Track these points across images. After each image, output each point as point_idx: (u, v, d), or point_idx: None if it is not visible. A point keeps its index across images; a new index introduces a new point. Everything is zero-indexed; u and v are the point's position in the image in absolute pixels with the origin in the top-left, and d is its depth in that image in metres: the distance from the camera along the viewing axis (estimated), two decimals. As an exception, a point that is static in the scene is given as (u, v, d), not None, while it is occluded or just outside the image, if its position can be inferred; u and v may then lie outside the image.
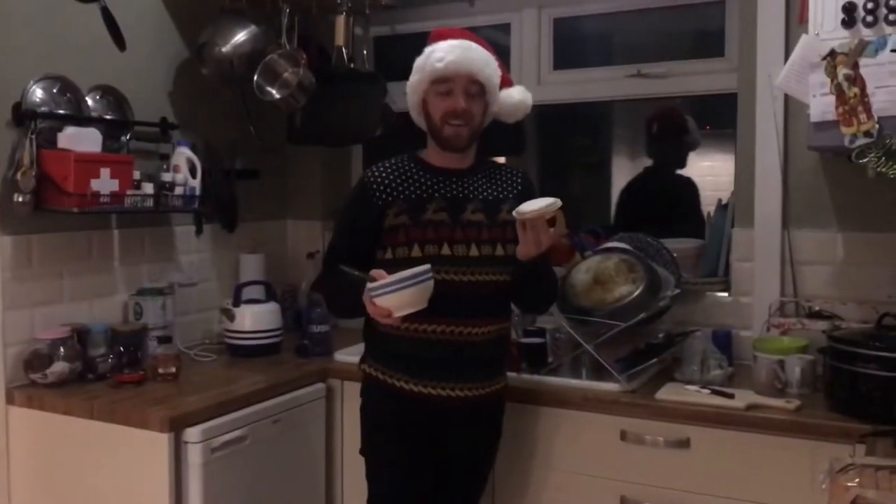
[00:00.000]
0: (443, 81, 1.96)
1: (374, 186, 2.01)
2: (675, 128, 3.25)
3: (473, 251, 1.98)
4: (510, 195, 2.06)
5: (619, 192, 3.49)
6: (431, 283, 1.80)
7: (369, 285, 1.82)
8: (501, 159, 3.54)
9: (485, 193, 2.04)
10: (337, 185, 3.36)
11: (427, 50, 2.02)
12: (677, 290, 2.40)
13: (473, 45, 2.01)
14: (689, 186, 3.26)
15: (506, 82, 2.16)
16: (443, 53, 1.96)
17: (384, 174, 2.03)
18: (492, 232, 2.00)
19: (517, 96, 2.20)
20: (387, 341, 2.00)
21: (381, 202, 1.99)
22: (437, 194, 2.01)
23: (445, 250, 1.96)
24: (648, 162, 3.46)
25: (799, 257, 2.45)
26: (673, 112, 3.26)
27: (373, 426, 2.08)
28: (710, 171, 3.54)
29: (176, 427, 2.02)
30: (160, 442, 2.01)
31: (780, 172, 2.45)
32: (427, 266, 1.81)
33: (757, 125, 2.48)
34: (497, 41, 3.15)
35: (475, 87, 1.98)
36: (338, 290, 2.05)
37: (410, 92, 2.04)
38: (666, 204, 3.18)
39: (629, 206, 3.34)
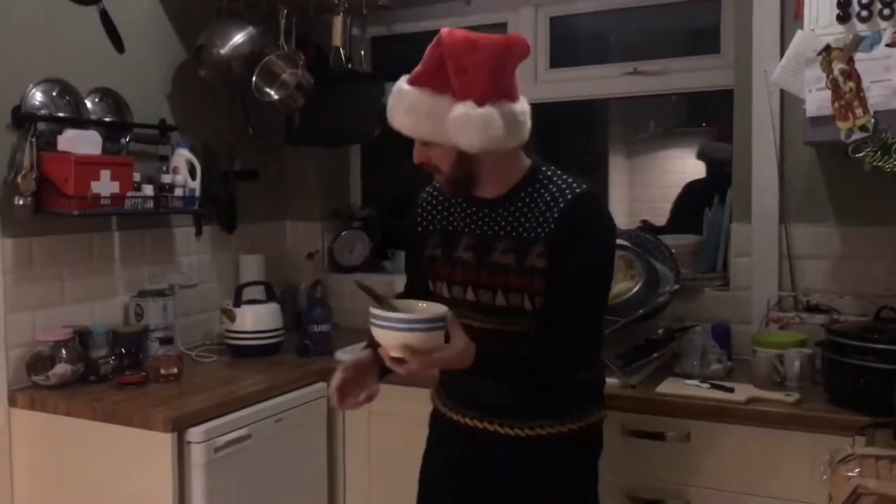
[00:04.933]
0: None
1: (420, 210, 1.83)
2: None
3: (500, 300, 1.68)
4: (542, 233, 1.64)
5: (681, 191, 3.44)
6: (442, 335, 1.50)
7: (373, 310, 1.49)
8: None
9: (519, 230, 1.68)
10: (335, 185, 3.37)
11: None
12: (676, 286, 2.41)
13: (405, 89, 1.62)
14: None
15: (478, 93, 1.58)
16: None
17: (431, 198, 1.83)
18: (521, 279, 1.65)
19: (457, 124, 1.58)
20: None
21: (422, 229, 1.81)
22: (467, 229, 1.74)
23: (470, 295, 1.72)
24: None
25: (797, 252, 2.47)
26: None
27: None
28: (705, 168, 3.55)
29: (179, 427, 2.03)
30: (163, 442, 2.01)
31: (777, 168, 2.46)
32: (445, 312, 1.53)
33: (753, 121, 2.50)
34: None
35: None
36: None
37: None
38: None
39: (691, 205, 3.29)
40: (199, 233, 2.84)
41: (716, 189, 2.75)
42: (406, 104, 1.62)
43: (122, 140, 2.52)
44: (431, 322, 1.49)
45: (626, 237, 2.53)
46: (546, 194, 1.67)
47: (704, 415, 2.08)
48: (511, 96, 1.62)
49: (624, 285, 2.32)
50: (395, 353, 1.49)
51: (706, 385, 2.17)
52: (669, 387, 2.19)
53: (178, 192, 2.53)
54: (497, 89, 1.59)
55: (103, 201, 2.28)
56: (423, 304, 1.60)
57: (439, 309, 1.55)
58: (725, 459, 2.07)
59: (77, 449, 2.17)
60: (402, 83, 1.64)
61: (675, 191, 3.47)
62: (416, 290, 1.84)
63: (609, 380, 2.22)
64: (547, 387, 1.73)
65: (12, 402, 2.24)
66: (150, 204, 2.45)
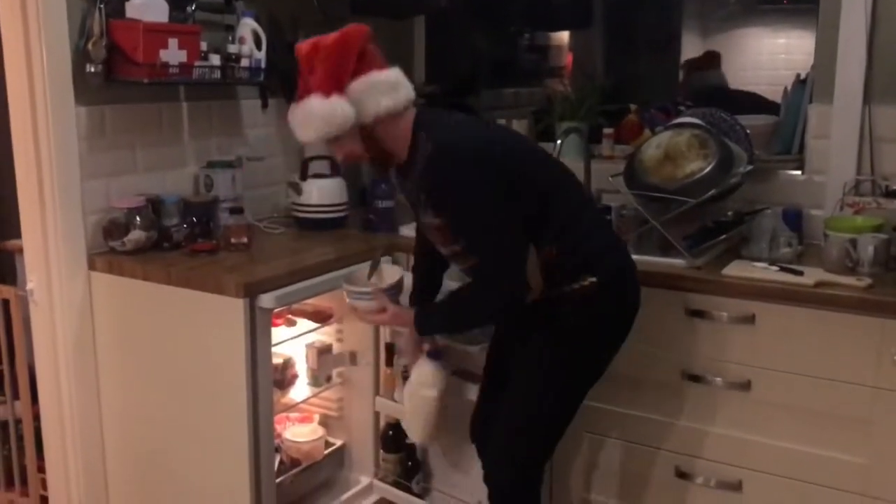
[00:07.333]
0: None
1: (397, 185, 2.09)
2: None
3: (442, 250, 1.98)
4: (422, 196, 1.89)
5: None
6: (372, 303, 1.99)
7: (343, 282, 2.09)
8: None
9: (417, 192, 1.91)
10: (399, 60, 3.27)
11: None
12: (750, 167, 2.34)
13: (292, 108, 1.87)
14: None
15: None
16: None
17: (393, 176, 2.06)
18: (437, 234, 1.94)
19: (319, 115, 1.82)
20: None
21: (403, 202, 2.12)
22: (407, 200, 2.03)
23: (438, 251, 2.02)
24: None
25: (879, 134, 2.36)
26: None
27: None
28: (784, 48, 3.38)
29: (250, 293, 2.08)
30: (235, 306, 2.08)
31: (866, 43, 2.32)
32: (374, 288, 2.02)
33: (843, -7, 2.35)
34: None
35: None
36: None
37: None
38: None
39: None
40: (265, 105, 2.84)
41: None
42: (300, 119, 1.85)
43: (188, 8, 2.49)
44: (359, 294, 2.01)
45: (700, 116, 2.45)
46: (420, 159, 1.84)
47: (771, 297, 2.06)
48: (366, 72, 1.83)
49: (696, 164, 2.26)
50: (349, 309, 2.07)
51: (774, 268, 2.14)
52: (736, 269, 2.16)
53: (245, 62, 2.52)
54: (340, 78, 1.80)
55: (172, 70, 2.28)
56: (386, 270, 2.14)
57: (390, 280, 2.06)
58: (790, 342, 2.06)
59: (153, 312, 2.26)
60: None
61: (752, 73, 3.33)
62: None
63: (675, 260, 2.22)
64: (493, 318, 2.02)
65: (91, 265, 2.33)
66: (218, 74, 2.44)
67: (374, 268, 2.12)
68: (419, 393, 2.16)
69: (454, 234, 1.87)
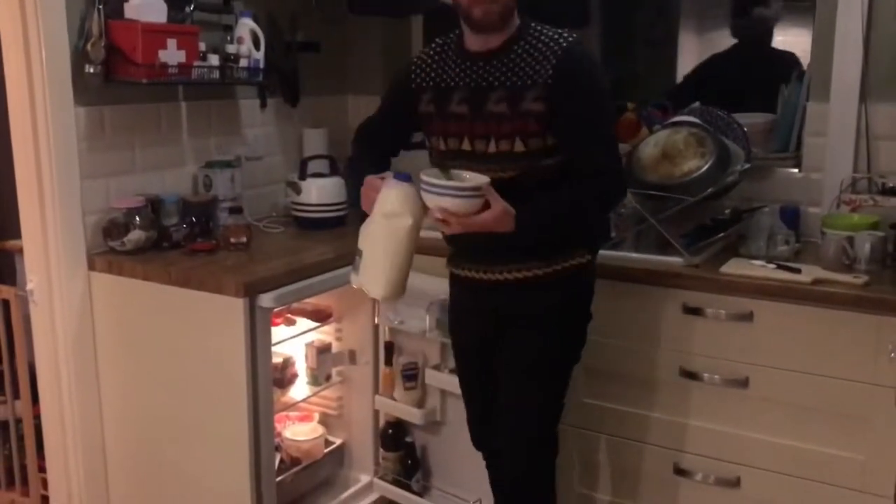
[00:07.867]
0: None
1: (414, 69, 1.96)
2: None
3: (492, 147, 1.82)
4: (539, 80, 1.77)
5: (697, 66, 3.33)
6: (475, 203, 1.68)
7: (423, 175, 1.71)
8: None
9: (512, 79, 1.80)
10: (397, 59, 3.31)
11: None
12: (747, 165, 2.35)
13: None
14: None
15: None
16: None
17: (426, 57, 1.96)
18: (513, 124, 1.79)
19: None
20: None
21: (416, 86, 1.94)
22: (461, 83, 1.87)
23: (466, 145, 1.86)
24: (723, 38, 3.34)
25: (875, 132, 2.37)
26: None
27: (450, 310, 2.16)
28: (782, 45, 3.40)
29: (250, 292, 2.09)
30: (235, 306, 2.08)
31: (862, 41, 2.33)
32: (481, 183, 1.70)
33: (840, -8, 2.36)
34: None
35: None
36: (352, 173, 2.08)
37: None
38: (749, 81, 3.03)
39: (705, 80, 3.19)
40: (263, 105, 2.85)
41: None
42: None
43: (186, 9, 2.50)
44: (463, 191, 1.69)
45: (697, 114, 2.46)
46: (540, 45, 1.80)
47: (768, 294, 2.07)
48: None
49: (694, 163, 2.27)
50: (436, 214, 1.70)
51: (772, 265, 2.14)
52: (734, 266, 2.17)
53: (243, 62, 2.53)
54: None
55: (171, 70, 2.28)
56: (468, 175, 1.77)
57: (481, 180, 1.72)
58: (788, 339, 2.06)
59: (153, 312, 2.27)
60: None
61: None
62: (386, 139, 2.11)
63: (672, 258, 2.23)
64: (592, 222, 1.95)
65: (91, 265, 2.34)
66: (217, 74, 2.45)
67: (446, 173, 1.78)
68: (392, 225, 1.74)
69: (573, 127, 1.79)
